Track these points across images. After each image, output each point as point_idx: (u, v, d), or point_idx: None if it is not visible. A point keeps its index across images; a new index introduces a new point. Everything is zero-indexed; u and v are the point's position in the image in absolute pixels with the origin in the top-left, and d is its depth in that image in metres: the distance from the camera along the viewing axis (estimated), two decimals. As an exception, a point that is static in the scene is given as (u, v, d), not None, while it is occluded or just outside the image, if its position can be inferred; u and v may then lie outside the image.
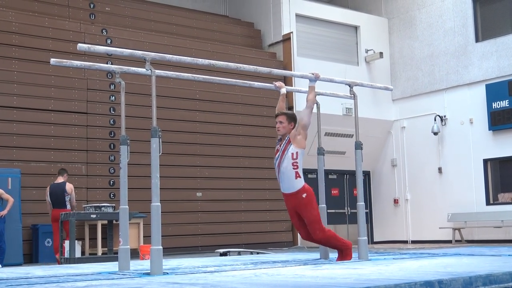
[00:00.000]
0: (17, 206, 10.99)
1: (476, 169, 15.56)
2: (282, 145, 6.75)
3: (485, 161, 15.47)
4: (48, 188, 10.89)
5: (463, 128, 15.90)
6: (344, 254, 6.84)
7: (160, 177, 5.62)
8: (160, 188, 5.59)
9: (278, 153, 6.76)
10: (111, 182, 12.61)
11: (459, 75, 16.08)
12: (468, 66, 15.91)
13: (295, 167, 6.69)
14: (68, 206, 10.77)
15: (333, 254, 7.46)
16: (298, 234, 15.00)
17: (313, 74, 6.98)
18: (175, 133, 13.30)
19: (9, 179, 11.03)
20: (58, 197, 10.71)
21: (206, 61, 6.65)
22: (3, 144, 11.57)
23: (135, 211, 11.22)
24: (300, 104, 15.03)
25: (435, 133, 16.29)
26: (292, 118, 6.81)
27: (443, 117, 16.33)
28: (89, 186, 12.34)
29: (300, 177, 6.70)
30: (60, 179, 10.91)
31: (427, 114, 16.63)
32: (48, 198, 10.82)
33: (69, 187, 10.85)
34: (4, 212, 10.48)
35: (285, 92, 7.34)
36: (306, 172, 15.82)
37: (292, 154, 6.67)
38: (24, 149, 11.81)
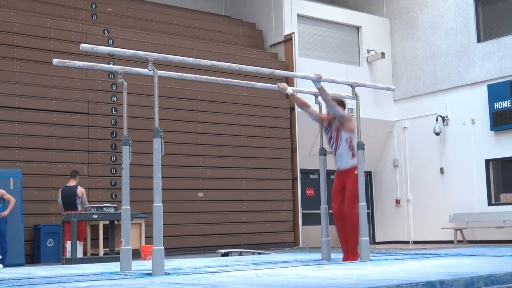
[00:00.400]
0: (19, 207, 11.01)
1: (478, 169, 15.55)
2: (332, 132, 7.22)
3: (487, 162, 15.47)
4: (60, 191, 11.01)
5: (465, 128, 15.89)
6: (351, 254, 6.94)
7: (162, 177, 5.63)
8: (162, 189, 5.60)
9: (332, 141, 7.27)
10: (113, 183, 12.62)
11: (461, 75, 16.07)
12: (470, 66, 15.90)
13: (351, 149, 7.16)
14: (79, 209, 10.87)
15: (334, 255, 7.47)
16: (300, 235, 15.03)
17: (314, 75, 6.99)
18: (177, 133, 13.31)
19: (11, 179, 11.05)
20: (70, 199, 10.83)
21: (208, 62, 6.65)
22: (5, 144, 11.59)
23: (137, 212, 11.24)
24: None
25: (437, 134, 16.28)
26: (340, 102, 7.27)
27: (445, 118, 16.32)
28: (90, 186, 12.34)
29: (355, 156, 7.12)
30: (72, 182, 11.03)
31: (429, 114, 16.63)
32: (59, 200, 10.94)
33: (80, 190, 10.96)
34: (6, 212, 10.51)
35: (292, 91, 7.61)
36: (308, 172, 15.94)
37: (346, 139, 7.15)
38: (26, 149, 11.82)
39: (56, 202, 11.48)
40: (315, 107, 7.60)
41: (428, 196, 16.60)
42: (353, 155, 7.12)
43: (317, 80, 6.95)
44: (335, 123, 7.15)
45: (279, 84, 7.52)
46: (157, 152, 5.65)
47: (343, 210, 7.07)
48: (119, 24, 13.96)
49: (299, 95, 13.94)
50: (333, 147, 7.24)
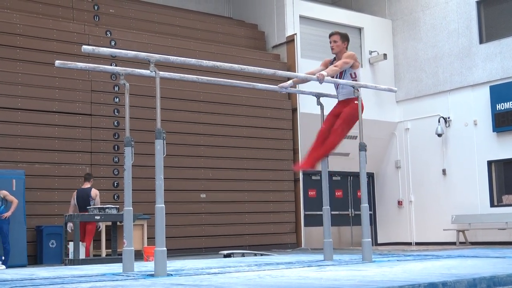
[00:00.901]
0: (22, 208, 11.02)
1: (480, 170, 15.54)
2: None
3: (489, 163, 15.45)
4: (74, 193, 11.08)
5: (467, 129, 15.88)
6: (309, 160, 7.10)
7: (164, 178, 5.63)
8: (164, 190, 5.60)
9: (335, 76, 7.13)
10: (115, 184, 12.63)
11: (463, 76, 16.07)
12: (472, 67, 15.89)
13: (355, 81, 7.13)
14: None
15: (337, 256, 7.46)
16: (302, 236, 15.02)
17: (317, 76, 6.98)
18: (179, 134, 13.31)
19: (14, 180, 11.06)
20: (84, 201, 10.91)
21: (210, 63, 6.65)
22: (7, 145, 11.61)
23: (139, 213, 11.23)
24: (304, 105, 15.06)
25: (439, 135, 16.27)
26: (345, 37, 7.27)
27: (447, 119, 16.31)
28: (93, 187, 12.34)
29: (359, 90, 7.08)
30: (86, 184, 11.09)
31: (431, 115, 16.62)
32: (73, 201, 11.01)
33: (94, 192, 11.02)
34: (9, 213, 10.52)
35: (291, 82, 7.54)
36: (310, 173, 15.92)
37: (351, 74, 7.15)
38: (29, 150, 11.84)
39: (59, 203, 11.49)
40: (317, 108, 7.60)
41: (430, 197, 16.58)
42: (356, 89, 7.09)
43: (319, 81, 6.95)
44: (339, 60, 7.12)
45: (279, 85, 7.54)
46: (159, 154, 5.65)
47: (332, 128, 7.07)
48: (121, 25, 13.98)
49: (302, 96, 13.95)
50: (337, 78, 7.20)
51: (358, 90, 7.03)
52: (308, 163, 7.01)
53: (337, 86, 7.22)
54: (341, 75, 7.11)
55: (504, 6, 15.70)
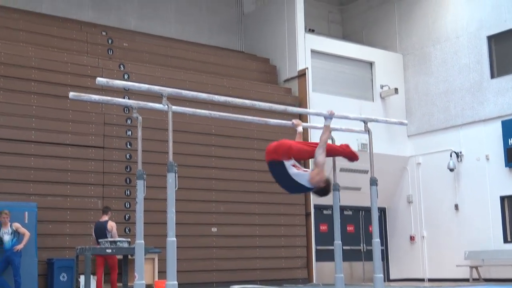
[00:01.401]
0: (33, 240, 11.03)
1: (493, 206, 15.42)
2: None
3: (502, 198, 15.34)
4: (93, 226, 11.12)
5: (479, 164, 15.81)
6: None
7: (175, 211, 5.64)
8: (175, 223, 5.60)
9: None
10: (127, 217, 12.64)
11: (475, 111, 16.05)
12: (483, 102, 15.89)
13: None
14: None
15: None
16: (314, 271, 14.91)
17: (327, 111, 6.95)
18: (191, 168, 13.33)
19: (26, 213, 11.09)
20: (101, 234, 10.95)
21: (222, 98, 6.72)
22: (20, 178, 11.66)
23: (150, 246, 11.21)
24: (316, 140, 15.05)
25: (451, 170, 16.19)
26: (327, 182, 6.65)
27: (459, 153, 16.26)
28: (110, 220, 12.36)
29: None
30: (104, 217, 11.15)
31: (443, 150, 16.56)
32: (93, 234, 11.03)
33: (110, 225, 11.06)
34: (20, 246, 10.53)
35: (302, 130, 7.38)
36: (321, 208, 15.87)
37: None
38: (41, 183, 11.89)
39: (71, 236, 11.52)
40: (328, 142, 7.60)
41: (443, 232, 16.44)
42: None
43: (329, 117, 6.86)
44: (311, 175, 6.51)
45: (293, 120, 7.47)
46: (171, 187, 5.68)
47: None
48: (134, 59, 14.12)
49: (314, 131, 13.95)
50: None
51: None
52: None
53: None
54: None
55: (515, 41, 15.74)
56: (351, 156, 7.07)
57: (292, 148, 6.52)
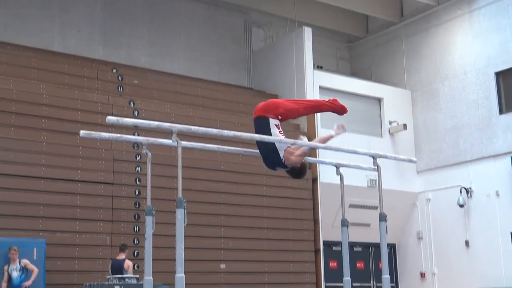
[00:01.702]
0: (42, 277, 10.98)
1: (504, 242, 15.28)
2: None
3: (513, 234, 15.24)
4: (110, 263, 11.22)
5: (490, 200, 15.73)
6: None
7: (184, 248, 5.63)
8: (184, 259, 5.59)
9: None
10: (135, 253, 12.59)
11: (484, 147, 16.02)
12: (492, 138, 15.87)
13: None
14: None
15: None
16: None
17: (337, 126, 6.91)
18: (200, 204, 13.31)
19: (35, 249, 11.07)
20: (117, 272, 10.97)
21: (231, 133, 6.74)
22: (30, 214, 11.68)
23: (159, 283, 11.14)
24: (324, 175, 15.06)
25: (461, 206, 16.11)
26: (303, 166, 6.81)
27: (469, 189, 16.19)
28: (113, 256, 12.32)
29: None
30: (121, 255, 11.17)
31: (453, 186, 16.50)
32: (110, 272, 11.12)
33: (127, 264, 11.09)
34: (29, 282, 10.51)
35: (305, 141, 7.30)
36: (330, 244, 15.78)
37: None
38: (50, 219, 11.90)
39: (79, 272, 11.50)
40: (337, 178, 7.62)
41: (454, 269, 16.28)
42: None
43: (336, 133, 6.85)
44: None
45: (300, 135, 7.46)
46: (180, 223, 5.67)
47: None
48: (144, 95, 14.24)
49: (323, 166, 13.91)
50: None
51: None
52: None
53: None
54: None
55: (523, 77, 15.80)
56: (340, 110, 7.14)
57: (281, 105, 6.70)
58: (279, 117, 6.67)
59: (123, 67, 14.95)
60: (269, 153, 6.64)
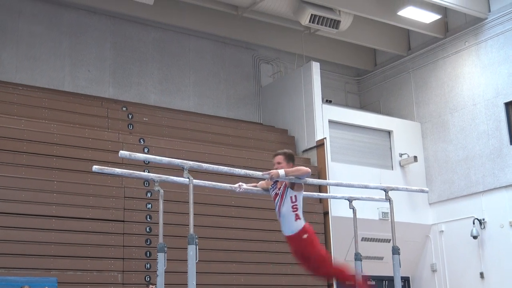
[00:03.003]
0: (53, 316, 10.95)
1: (520, 273, 15.12)
2: (280, 189, 6.83)
3: (529, 265, 15.05)
4: None
5: (503, 231, 15.58)
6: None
7: (196, 284, 5.61)
8: (196, 296, 5.56)
9: (277, 198, 6.84)
10: (147, 291, 12.52)
11: (496, 177, 15.94)
12: (504, 168, 15.79)
13: (295, 209, 6.76)
14: None
15: None
16: None
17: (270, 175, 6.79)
18: (211, 240, 13.26)
19: (46, 288, 11.05)
20: None
21: (242, 171, 6.77)
22: (41, 252, 11.66)
23: (171, 320, 11.08)
24: (335, 209, 14.99)
25: (475, 237, 15.97)
26: (290, 157, 6.88)
27: (482, 220, 16.06)
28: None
29: (300, 218, 6.78)
30: None
31: (465, 217, 16.37)
32: None
33: None
34: (40, 322, 10.45)
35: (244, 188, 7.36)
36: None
37: (291, 197, 6.75)
38: (61, 257, 11.87)
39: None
40: (348, 212, 7.59)
41: (469, 302, 16.08)
42: (296, 217, 6.72)
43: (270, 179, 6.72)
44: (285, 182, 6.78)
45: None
46: (191, 259, 5.66)
47: (323, 274, 7.04)
48: (154, 133, 14.30)
49: (334, 200, 13.85)
50: (277, 206, 6.83)
51: (300, 218, 6.78)
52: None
53: (276, 204, 6.84)
54: (282, 199, 6.77)
55: (533, 107, 15.78)
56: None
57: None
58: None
59: (133, 105, 15.06)
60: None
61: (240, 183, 7.27)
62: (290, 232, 6.86)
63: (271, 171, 6.60)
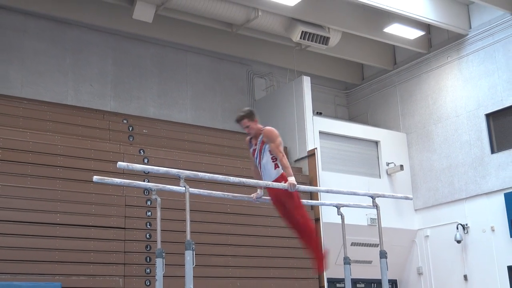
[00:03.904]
0: (57, 319, 10.89)
1: (501, 276, 15.12)
2: (257, 144, 7.20)
3: (509, 268, 15.04)
4: None
5: (485, 235, 15.61)
6: (318, 264, 7.09)
7: (193, 288, 5.61)
8: (193, 299, 5.56)
9: (256, 152, 7.20)
10: (147, 295, 12.48)
11: (478, 185, 15.98)
12: (485, 176, 15.84)
13: (274, 160, 7.14)
14: None
15: None
16: None
17: (289, 187, 6.99)
18: (208, 245, 13.25)
19: (50, 293, 11.00)
20: None
21: (237, 179, 6.80)
22: (45, 259, 11.61)
23: (170, 323, 11.04)
24: (326, 215, 15.00)
25: (458, 241, 15.99)
26: (251, 115, 7.26)
27: (465, 226, 16.09)
28: (127, 298, 12.23)
29: (278, 167, 7.12)
30: None
31: (449, 223, 16.41)
32: None
33: None
34: (45, 325, 10.40)
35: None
36: (333, 281, 15.61)
37: (269, 150, 7.12)
38: (65, 263, 11.83)
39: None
40: (337, 218, 7.62)
41: (454, 303, 16.07)
42: (275, 166, 7.05)
43: (289, 188, 6.93)
44: (261, 139, 7.15)
45: (253, 197, 7.47)
46: (188, 264, 5.67)
47: (297, 226, 7.15)
48: (153, 144, 14.30)
49: (324, 207, 13.86)
50: (257, 160, 7.19)
51: (278, 167, 7.06)
52: (322, 264, 6.97)
53: (256, 159, 7.20)
54: (260, 153, 7.13)
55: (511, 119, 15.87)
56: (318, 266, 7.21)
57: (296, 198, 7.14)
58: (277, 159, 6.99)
59: (133, 117, 15.06)
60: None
61: (253, 195, 7.50)
62: (270, 179, 7.09)
63: (289, 184, 6.91)
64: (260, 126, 7.26)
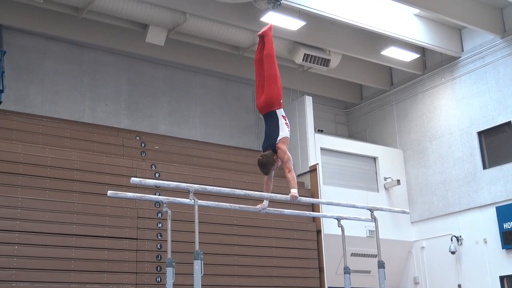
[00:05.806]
0: (73, 325, 10.83)
1: (494, 285, 14.99)
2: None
3: (502, 278, 14.93)
4: None
5: (478, 247, 15.52)
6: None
7: (201, 296, 5.58)
8: (201, 307, 5.53)
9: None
10: (157, 302, 12.43)
11: (471, 198, 15.92)
12: (478, 190, 15.77)
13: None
14: None
15: None
16: None
17: (291, 199, 6.94)
18: (215, 255, 13.21)
19: (67, 300, 10.96)
20: None
21: (242, 192, 6.79)
22: (62, 267, 11.60)
23: (179, 329, 10.97)
24: (327, 227, 14.95)
25: (453, 252, 15.90)
26: (268, 164, 7.32)
27: (459, 237, 16.00)
28: (138, 306, 12.18)
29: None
30: None
31: (444, 234, 16.32)
32: None
33: None
34: (61, 331, 10.35)
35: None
36: (334, 290, 15.49)
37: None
38: (81, 272, 11.80)
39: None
40: (338, 230, 7.58)
41: (449, 311, 15.93)
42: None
43: (292, 201, 6.92)
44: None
45: (260, 208, 7.43)
46: (197, 273, 5.66)
47: (266, 93, 7.28)
48: (164, 159, 14.32)
49: (325, 219, 13.82)
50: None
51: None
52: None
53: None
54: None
55: (503, 136, 15.80)
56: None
57: (278, 90, 7.46)
58: (281, 101, 7.07)
59: (145, 134, 15.09)
60: (272, 132, 6.79)
61: (259, 206, 7.37)
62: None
63: (291, 196, 7.03)
64: (275, 157, 7.13)
